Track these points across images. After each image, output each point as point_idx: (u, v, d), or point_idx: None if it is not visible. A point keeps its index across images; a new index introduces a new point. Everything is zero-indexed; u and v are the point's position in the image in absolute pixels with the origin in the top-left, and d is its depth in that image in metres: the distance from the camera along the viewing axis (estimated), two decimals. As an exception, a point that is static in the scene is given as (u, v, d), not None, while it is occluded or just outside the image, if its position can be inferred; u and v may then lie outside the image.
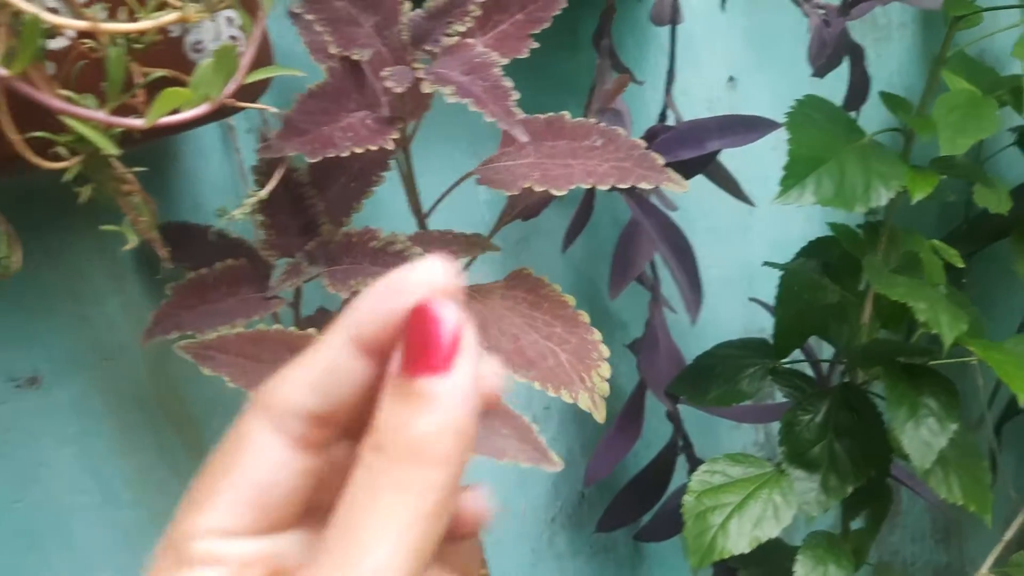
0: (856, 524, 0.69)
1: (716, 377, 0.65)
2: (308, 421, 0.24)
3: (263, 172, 0.49)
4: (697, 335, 0.82)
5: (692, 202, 0.82)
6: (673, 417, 0.76)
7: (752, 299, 0.78)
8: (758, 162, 0.79)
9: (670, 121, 0.73)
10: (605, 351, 0.50)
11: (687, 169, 0.61)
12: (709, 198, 0.79)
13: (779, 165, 0.89)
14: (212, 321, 0.45)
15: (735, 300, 0.91)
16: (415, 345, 0.24)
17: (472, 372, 0.24)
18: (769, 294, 0.79)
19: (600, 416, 0.49)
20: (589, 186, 0.47)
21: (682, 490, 0.83)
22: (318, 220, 0.51)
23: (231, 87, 0.34)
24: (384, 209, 0.59)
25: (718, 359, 0.66)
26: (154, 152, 0.58)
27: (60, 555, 0.58)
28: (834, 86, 0.80)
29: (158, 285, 0.59)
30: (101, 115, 0.32)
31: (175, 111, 0.34)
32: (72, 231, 0.56)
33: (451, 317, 0.23)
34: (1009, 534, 0.76)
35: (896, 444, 0.58)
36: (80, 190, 0.35)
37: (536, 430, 0.46)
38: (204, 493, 0.25)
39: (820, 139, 0.49)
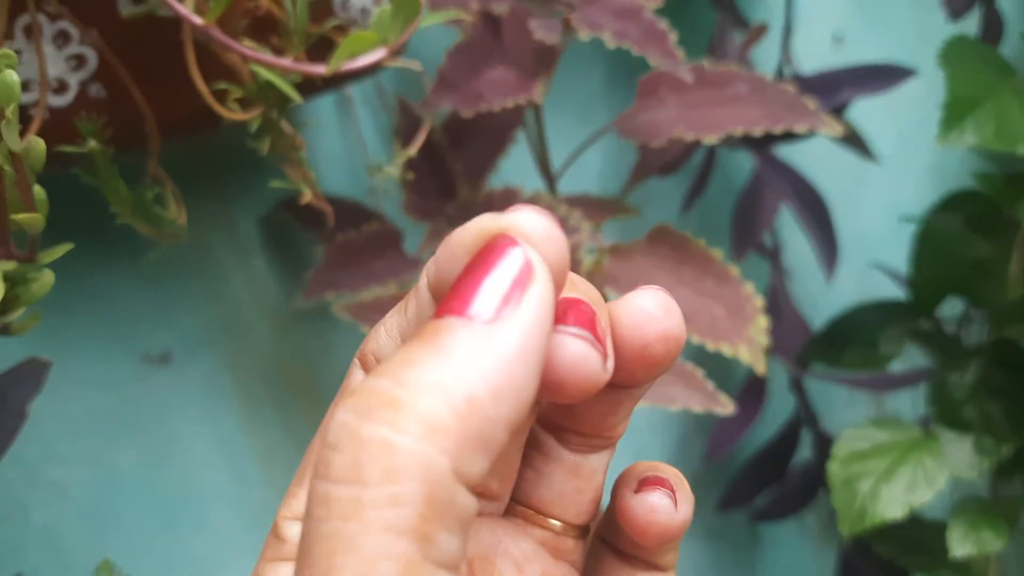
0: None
1: (852, 340, 0.65)
2: None
3: (403, 133, 0.50)
4: (811, 305, 0.82)
5: (801, 166, 0.82)
6: (799, 388, 0.76)
7: (876, 266, 0.78)
8: (871, 121, 0.79)
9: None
10: (759, 302, 0.50)
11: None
12: (819, 162, 0.79)
13: (894, 123, 0.88)
14: (366, 282, 0.46)
15: (850, 268, 0.91)
16: (456, 283, 0.18)
17: (526, 334, 0.17)
18: (887, 261, 0.78)
19: (761, 368, 0.49)
20: (741, 133, 0.48)
21: (803, 466, 0.83)
22: (455, 182, 0.52)
23: (407, 33, 0.35)
24: (507, 174, 0.60)
25: (853, 322, 0.66)
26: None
27: (194, 534, 0.59)
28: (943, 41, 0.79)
29: (281, 260, 0.61)
30: (287, 62, 0.34)
31: (352, 58, 0.35)
32: (198, 206, 0.58)
33: (513, 256, 0.18)
34: None
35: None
36: (258, 145, 0.37)
37: (702, 374, 0.46)
38: (302, 467, 0.22)
39: (976, 79, 0.49)
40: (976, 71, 0.49)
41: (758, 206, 0.66)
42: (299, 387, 0.62)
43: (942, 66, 0.50)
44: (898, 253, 0.87)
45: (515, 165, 0.60)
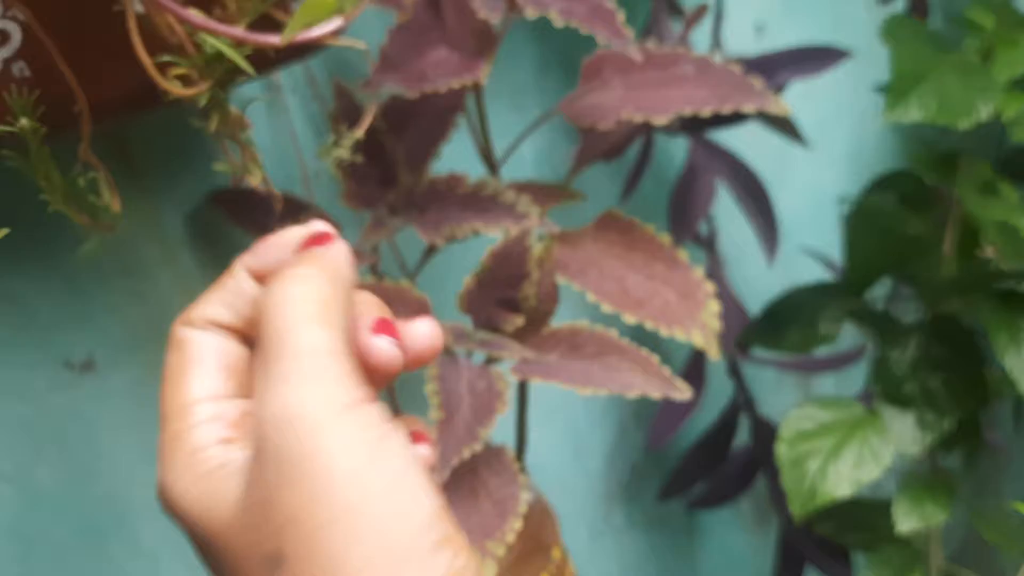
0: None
1: (792, 322, 0.65)
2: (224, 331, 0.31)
3: (340, 118, 0.48)
4: (741, 291, 0.83)
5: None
6: (736, 374, 0.76)
7: (807, 251, 0.79)
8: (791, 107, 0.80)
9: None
10: (711, 288, 0.50)
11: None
12: (744, 147, 0.80)
13: (809, 110, 0.89)
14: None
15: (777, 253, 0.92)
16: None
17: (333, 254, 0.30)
18: (810, 245, 0.80)
19: (714, 353, 0.49)
20: (689, 113, 0.47)
21: (740, 452, 0.84)
22: (396, 170, 0.50)
23: (362, 4, 0.34)
24: (446, 162, 0.58)
25: (790, 305, 0.67)
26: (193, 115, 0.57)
27: (126, 554, 0.56)
28: (861, 30, 0.81)
29: (210, 258, 0.58)
30: (238, 31, 0.31)
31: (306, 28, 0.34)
32: (121, 201, 0.55)
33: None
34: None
35: (991, 381, 0.59)
36: (204, 124, 0.34)
37: (658, 360, 0.46)
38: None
39: (917, 56, 0.50)
40: (917, 48, 0.50)
41: (695, 192, 0.66)
42: (232, 391, 0.59)
43: (886, 43, 0.51)
44: (821, 237, 0.89)
45: (453, 152, 0.58)
